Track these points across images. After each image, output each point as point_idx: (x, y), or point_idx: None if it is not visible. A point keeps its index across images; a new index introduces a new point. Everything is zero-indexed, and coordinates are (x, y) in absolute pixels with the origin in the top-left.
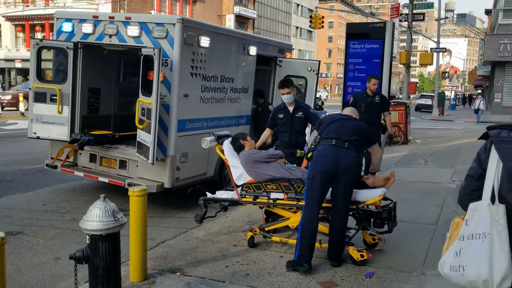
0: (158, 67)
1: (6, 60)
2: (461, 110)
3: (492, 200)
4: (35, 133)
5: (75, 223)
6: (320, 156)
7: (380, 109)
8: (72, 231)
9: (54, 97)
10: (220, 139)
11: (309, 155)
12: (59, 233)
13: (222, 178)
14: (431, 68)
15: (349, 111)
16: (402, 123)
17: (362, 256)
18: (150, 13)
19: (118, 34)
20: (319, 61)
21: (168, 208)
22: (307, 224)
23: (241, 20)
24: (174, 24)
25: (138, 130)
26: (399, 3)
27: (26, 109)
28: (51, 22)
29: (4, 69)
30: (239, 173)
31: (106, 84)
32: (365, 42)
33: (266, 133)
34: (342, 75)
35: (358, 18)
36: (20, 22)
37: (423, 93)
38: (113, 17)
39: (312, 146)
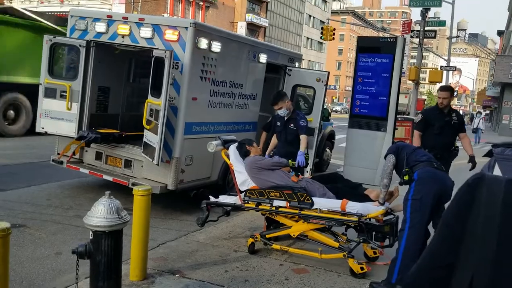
0: (168, 69)
1: None
2: (468, 130)
3: None
4: (43, 128)
5: (78, 219)
6: (429, 178)
7: (457, 131)
8: (74, 227)
9: (64, 94)
10: (226, 144)
11: (406, 178)
12: (61, 228)
13: (225, 183)
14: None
15: None
16: (408, 138)
17: (362, 268)
18: (163, 15)
19: (131, 35)
20: (328, 72)
21: (170, 210)
22: (413, 246)
23: (252, 28)
24: (186, 28)
25: (145, 130)
26: (411, 20)
27: None
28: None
29: None
30: (243, 178)
31: (115, 83)
32: (375, 56)
33: (263, 137)
34: (350, 88)
35: (369, 32)
36: None
37: None
38: (126, 18)
39: (407, 170)
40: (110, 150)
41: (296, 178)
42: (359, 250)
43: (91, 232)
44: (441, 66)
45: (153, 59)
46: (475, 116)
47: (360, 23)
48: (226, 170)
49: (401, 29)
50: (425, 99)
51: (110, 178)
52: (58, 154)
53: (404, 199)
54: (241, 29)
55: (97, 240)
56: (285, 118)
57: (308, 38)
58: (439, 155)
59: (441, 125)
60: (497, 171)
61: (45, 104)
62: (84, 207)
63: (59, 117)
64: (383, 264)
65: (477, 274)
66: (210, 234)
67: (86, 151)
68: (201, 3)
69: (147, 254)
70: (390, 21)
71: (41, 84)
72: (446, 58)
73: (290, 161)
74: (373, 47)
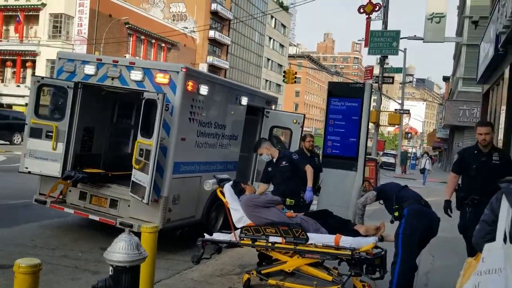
0: (161, 111)
1: None
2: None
3: (505, 240)
4: (26, 168)
5: (65, 259)
6: (417, 214)
7: (503, 174)
8: (64, 267)
9: (50, 134)
10: (221, 182)
11: (396, 214)
12: (51, 269)
13: (208, 221)
14: (391, 128)
15: None
16: (372, 178)
17: None
18: (125, 56)
19: (121, 77)
20: (304, 115)
21: None
22: (405, 278)
23: (213, 69)
24: (177, 72)
25: (133, 170)
26: (372, 66)
27: None
28: (23, 58)
29: None
30: (239, 216)
31: (100, 123)
32: (345, 100)
33: (262, 189)
34: (307, 129)
35: (324, 76)
36: None
37: (385, 151)
38: (117, 61)
39: (397, 206)
40: (95, 189)
41: (291, 213)
42: (348, 283)
43: (111, 268)
44: (395, 109)
45: (143, 101)
46: (422, 157)
47: (316, 67)
48: (209, 209)
49: (358, 74)
50: (385, 141)
51: (96, 218)
52: (41, 194)
53: (395, 234)
54: (202, 71)
55: (117, 275)
56: (274, 160)
57: (267, 80)
58: (476, 201)
59: (476, 166)
60: (504, 202)
61: (29, 144)
62: (69, 247)
63: (44, 157)
64: None
65: None
66: (202, 272)
67: (70, 191)
68: (163, 44)
69: None
70: (343, 66)
71: (26, 124)
72: (399, 101)
73: (288, 199)
74: (343, 91)
